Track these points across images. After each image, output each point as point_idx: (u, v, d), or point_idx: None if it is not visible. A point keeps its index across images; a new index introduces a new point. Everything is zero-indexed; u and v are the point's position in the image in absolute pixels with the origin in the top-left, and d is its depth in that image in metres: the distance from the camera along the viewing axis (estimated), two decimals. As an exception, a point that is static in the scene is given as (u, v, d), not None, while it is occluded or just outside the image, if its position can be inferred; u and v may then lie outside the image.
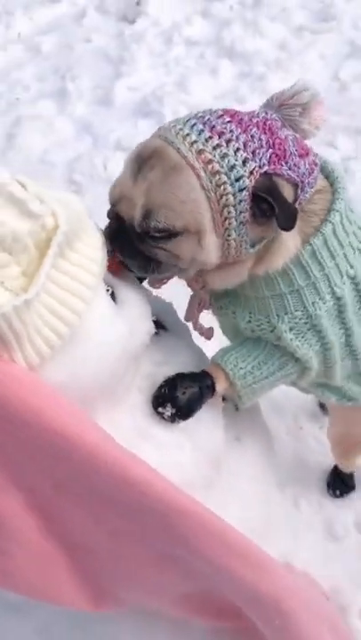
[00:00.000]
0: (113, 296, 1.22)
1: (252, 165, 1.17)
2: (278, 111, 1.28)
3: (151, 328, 1.32)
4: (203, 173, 1.17)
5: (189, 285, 1.45)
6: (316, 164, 1.30)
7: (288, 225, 1.20)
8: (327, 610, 1.69)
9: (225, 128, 1.19)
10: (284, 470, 2.09)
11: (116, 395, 1.26)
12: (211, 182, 1.17)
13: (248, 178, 1.17)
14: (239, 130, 1.19)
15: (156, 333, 1.45)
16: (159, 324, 1.47)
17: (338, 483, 2.10)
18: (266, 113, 1.26)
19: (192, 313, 1.51)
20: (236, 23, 4.22)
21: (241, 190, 1.17)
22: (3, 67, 4.35)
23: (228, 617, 1.48)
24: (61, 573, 1.27)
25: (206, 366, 1.42)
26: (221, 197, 1.18)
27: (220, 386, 1.39)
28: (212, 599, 1.42)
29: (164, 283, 1.45)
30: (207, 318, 1.53)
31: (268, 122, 1.23)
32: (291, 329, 1.36)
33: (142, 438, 1.29)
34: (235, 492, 1.64)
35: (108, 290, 1.19)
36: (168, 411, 1.32)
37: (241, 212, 1.19)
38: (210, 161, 1.17)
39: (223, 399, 1.55)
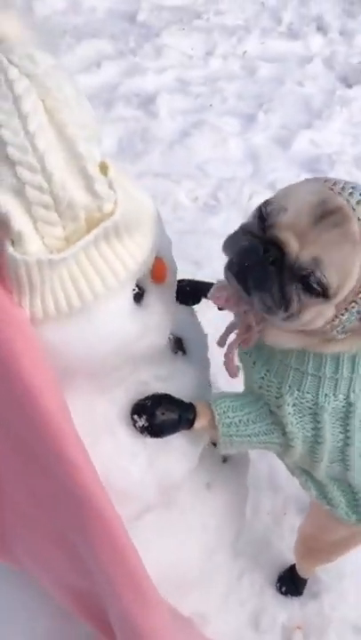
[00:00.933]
0: (140, 297, 1.25)
1: None
2: None
3: (161, 342, 1.35)
4: None
5: (248, 320, 1.37)
6: None
7: None
8: None
9: None
10: (247, 542, 2.07)
11: (102, 382, 1.31)
12: None
13: None
14: None
15: (175, 352, 1.51)
16: (181, 347, 1.52)
17: (288, 582, 2.06)
18: None
19: (234, 344, 1.46)
20: None
21: None
22: (214, 72, 4.55)
23: (108, 633, 1.51)
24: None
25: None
26: None
27: (200, 423, 1.42)
28: (100, 607, 1.45)
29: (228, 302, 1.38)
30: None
31: None
32: (294, 404, 1.37)
33: (105, 431, 1.34)
34: (181, 532, 1.65)
35: (134, 290, 1.23)
36: (141, 422, 1.36)
37: None
38: None
39: (215, 444, 1.57)
